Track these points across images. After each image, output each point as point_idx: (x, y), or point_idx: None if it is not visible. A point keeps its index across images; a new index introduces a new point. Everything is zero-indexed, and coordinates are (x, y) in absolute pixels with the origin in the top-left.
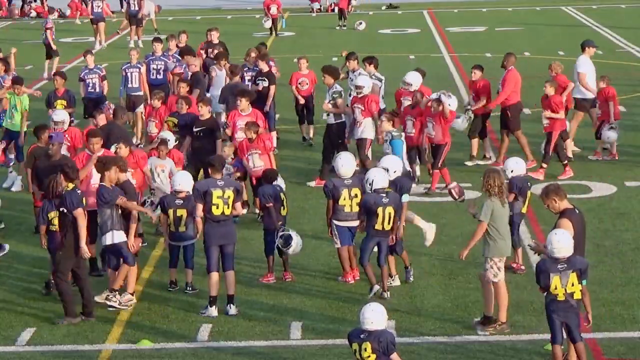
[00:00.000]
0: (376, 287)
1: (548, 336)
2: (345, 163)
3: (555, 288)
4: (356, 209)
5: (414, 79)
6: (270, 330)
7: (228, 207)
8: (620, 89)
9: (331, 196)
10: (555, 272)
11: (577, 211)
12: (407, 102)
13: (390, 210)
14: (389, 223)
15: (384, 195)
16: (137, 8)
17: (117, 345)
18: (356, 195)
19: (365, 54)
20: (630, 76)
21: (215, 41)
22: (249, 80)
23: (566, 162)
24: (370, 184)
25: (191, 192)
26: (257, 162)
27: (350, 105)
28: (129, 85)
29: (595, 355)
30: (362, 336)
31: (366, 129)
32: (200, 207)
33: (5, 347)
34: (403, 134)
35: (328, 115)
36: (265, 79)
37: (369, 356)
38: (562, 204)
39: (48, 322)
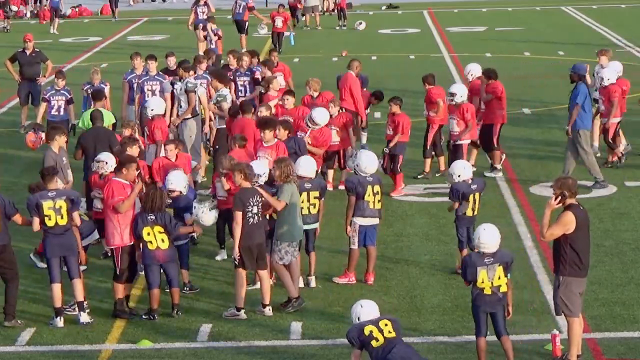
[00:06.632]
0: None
1: (548, 336)
2: (369, 160)
3: (482, 282)
4: (378, 205)
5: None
6: (270, 330)
7: (62, 218)
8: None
9: (355, 192)
10: (482, 266)
11: (582, 208)
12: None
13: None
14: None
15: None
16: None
17: (117, 345)
18: (378, 192)
19: (366, 54)
20: (630, 76)
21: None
22: (241, 86)
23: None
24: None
25: (183, 193)
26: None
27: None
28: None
29: (595, 355)
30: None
31: None
32: (36, 220)
33: (5, 347)
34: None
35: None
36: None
37: (390, 332)
38: (568, 199)
39: (48, 322)
